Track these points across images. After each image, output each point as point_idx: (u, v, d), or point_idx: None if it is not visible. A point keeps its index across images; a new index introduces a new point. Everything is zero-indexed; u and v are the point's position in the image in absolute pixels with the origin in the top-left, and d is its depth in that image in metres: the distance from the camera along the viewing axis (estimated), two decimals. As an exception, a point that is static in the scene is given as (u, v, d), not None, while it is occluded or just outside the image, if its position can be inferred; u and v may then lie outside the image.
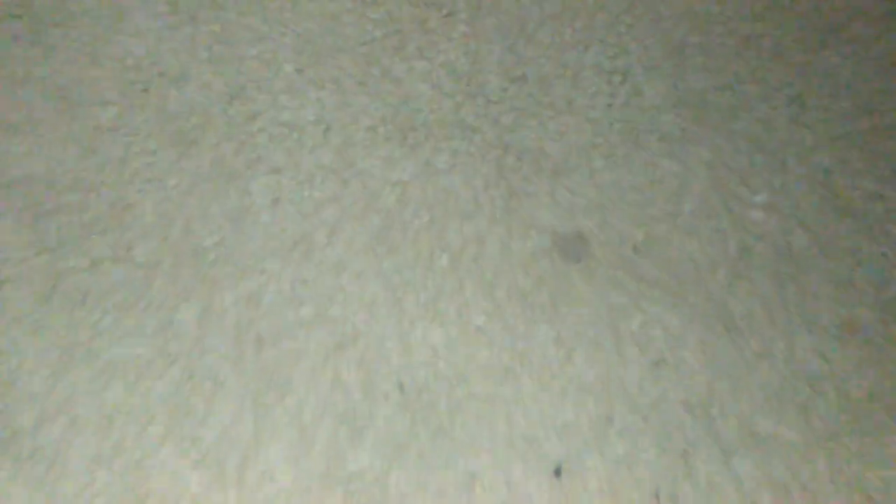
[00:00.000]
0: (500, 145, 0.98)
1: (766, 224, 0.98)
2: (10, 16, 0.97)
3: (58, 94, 0.94)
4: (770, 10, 1.10)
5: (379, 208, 0.93)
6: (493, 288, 0.90)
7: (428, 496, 0.80)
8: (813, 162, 1.02)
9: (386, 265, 0.90)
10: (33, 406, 0.79)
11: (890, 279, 0.95)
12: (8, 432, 0.77)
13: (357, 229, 0.91)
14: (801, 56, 1.09)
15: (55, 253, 0.86)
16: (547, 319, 0.90)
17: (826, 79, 1.07)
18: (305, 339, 0.85)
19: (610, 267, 0.94)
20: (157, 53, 0.98)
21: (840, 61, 1.09)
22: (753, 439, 0.86)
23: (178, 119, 0.94)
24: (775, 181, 1.01)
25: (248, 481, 0.78)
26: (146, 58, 0.97)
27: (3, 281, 0.83)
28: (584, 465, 0.83)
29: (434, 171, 0.96)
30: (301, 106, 0.97)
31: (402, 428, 0.82)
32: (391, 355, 0.85)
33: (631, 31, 1.08)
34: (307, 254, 0.89)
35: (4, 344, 0.80)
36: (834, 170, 1.02)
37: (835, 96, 1.07)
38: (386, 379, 0.84)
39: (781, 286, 0.94)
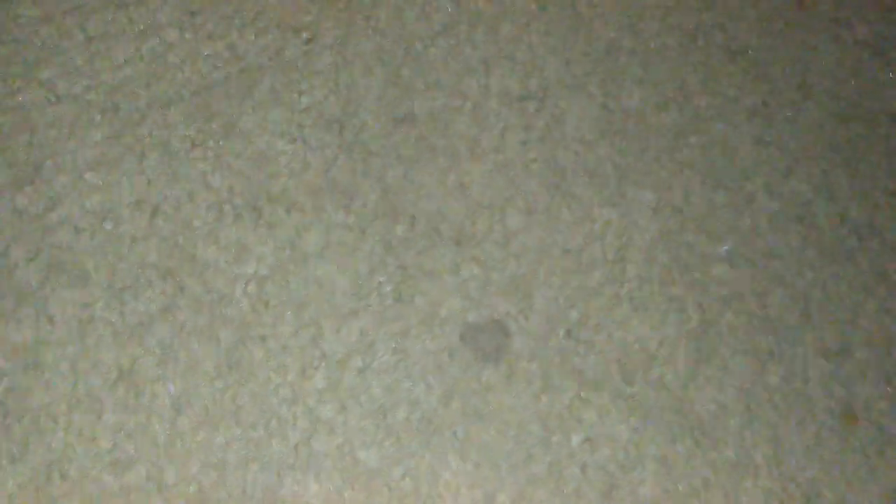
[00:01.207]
0: (386, 212, 0.76)
1: (733, 283, 0.77)
2: None
3: None
4: None
5: (228, 317, 0.70)
6: (384, 413, 0.68)
7: None
8: (787, 192, 0.81)
9: (239, 402, 0.67)
10: None
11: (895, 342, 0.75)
12: None
13: (198, 354, 0.69)
14: (763, 52, 0.87)
15: None
16: (459, 448, 0.68)
17: (795, 78, 0.86)
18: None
19: (538, 363, 0.72)
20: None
21: (812, 52, 0.87)
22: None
23: None
24: (742, 224, 0.80)
25: None
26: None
27: None
28: None
29: (301, 255, 0.74)
30: (116, 184, 0.74)
31: None
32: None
33: (545, 41, 0.86)
34: (131, 398, 0.66)
35: None
36: (814, 199, 0.81)
37: (807, 100, 0.85)
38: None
39: (760, 367, 0.74)
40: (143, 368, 0.70)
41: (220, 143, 0.79)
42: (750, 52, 0.88)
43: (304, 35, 0.85)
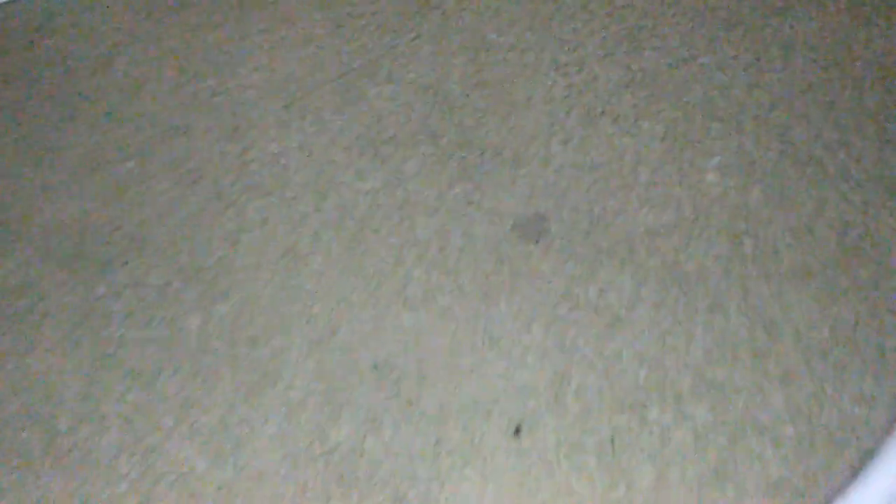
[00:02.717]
0: (463, 145, 1.11)
1: (721, 185, 1.05)
2: (46, 98, 1.19)
3: (87, 158, 1.14)
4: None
5: (354, 215, 1.07)
6: (456, 273, 1.02)
7: (398, 462, 0.92)
8: (771, 120, 1.08)
9: (362, 263, 1.04)
10: (68, 412, 0.97)
11: (851, 223, 0.99)
12: (48, 434, 0.95)
13: (335, 236, 1.06)
14: (759, 21, 1.15)
15: (86, 286, 1.05)
16: (507, 296, 1.00)
17: (784, 40, 1.13)
18: (291, 335, 0.99)
19: (567, 242, 1.03)
20: (164, 111, 1.17)
21: (798, 22, 1.14)
22: (707, 386, 0.92)
23: (183, 162, 1.13)
24: (731, 144, 1.07)
25: (243, 460, 0.93)
26: (157, 116, 1.17)
27: (42, 315, 1.02)
28: (542, 422, 0.92)
29: (403, 177, 1.10)
30: (286, 136, 1.14)
31: (376, 403, 0.94)
32: (366, 340, 0.98)
33: (587, 26, 1.19)
34: (293, 262, 1.05)
35: (45, 367, 0.99)
36: (793, 125, 1.07)
37: (793, 56, 1.12)
38: (362, 361, 0.97)
39: (737, 242, 1.01)
40: (300, 251, 1.07)
41: (353, 107, 1.18)
42: (747, 23, 1.16)
43: (412, 34, 1.23)
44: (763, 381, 0.93)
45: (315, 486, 0.94)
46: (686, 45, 1.18)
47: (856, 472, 0.86)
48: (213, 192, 1.15)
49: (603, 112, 1.14)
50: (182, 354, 1.02)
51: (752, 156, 1.08)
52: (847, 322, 0.96)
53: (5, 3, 1.33)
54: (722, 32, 1.17)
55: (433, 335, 1.01)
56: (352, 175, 1.14)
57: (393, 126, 1.17)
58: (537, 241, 1.06)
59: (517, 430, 0.94)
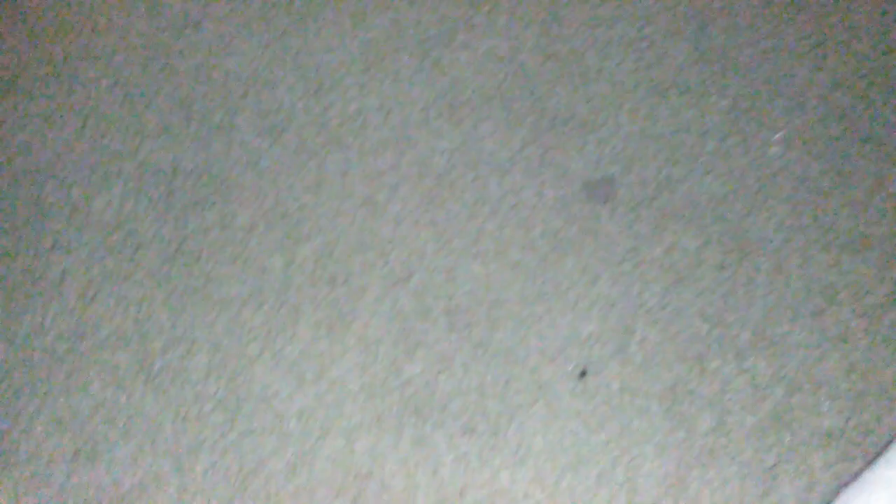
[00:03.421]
0: (535, 111, 1.17)
1: (784, 158, 1.10)
2: (141, 46, 1.26)
3: (179, 107, 1.22)
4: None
5: (430, 171, 1.14)
6: (528, 229, 1.08)
7: (469, 398, 0.98)
8: (833, 100, 1.13)
9: (436, 216, 1.10)
10: (161, 336, 1.04)
11: (909, 197, 1.04)
12: (142, 356, 1.02)
13: (412, 189, 1.12)
14: (824, 7, 1.20)
15: (177, 223, 1.12)
16: (575, 251, 1.06)
17: (848, 25, 1.18)
18: (369, 277, 1.06)
19: (634, 205, 1.09)
20: (252, 67, 1.24)
21: (861, 8, 1.19)
22: (767, 342, 0.97)
23: (269, 115, 1.19)
24: (794, 121, 1.12)
25: (323, 387, 0.99)
26: (245, 71, 1.24)
27: (136, 248, 1.09)
28: (607, 368, 0.98)
29: (478, 137, 1.16)
30: (366, 96, 1.20)
31: (448, 344, 1.00)
32: (440, 287, 1.04)
33: (657, 4, 1.24)
34: (371, 211, 1.11)
35: (140, 295, 1.06)
36: (854, 105, 1.12)
37: (856, 40, 1.17)
38: (435, 306, 1.03)
39: (798, 213, 1.06)
40: (378, 202, 1.14)
41: (431, 72, 1.24)
42: (813, 8, 1.21)
43: (488, 7, 1.29)
44: (821, 339, 0.98)
45: (390, 416, 1.00)
46: (753, 27, 1.23)
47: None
48: (296, 144, 1.21)
49: (671, 86, 1.19)
50: (267, 290, 1.08)
51: (814, 132, 1.13)
52: (902, 290, 1.01)
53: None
54: (788, 16, 1.22)
55: (503, 285, 1.07)
56: (428, 134, 1.20)
57: (468, 91, 1.23)
58: (605, 203, 1.11)
59: (583, 374, 1.00)
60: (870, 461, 0.89)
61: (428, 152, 1.17)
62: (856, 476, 0.88)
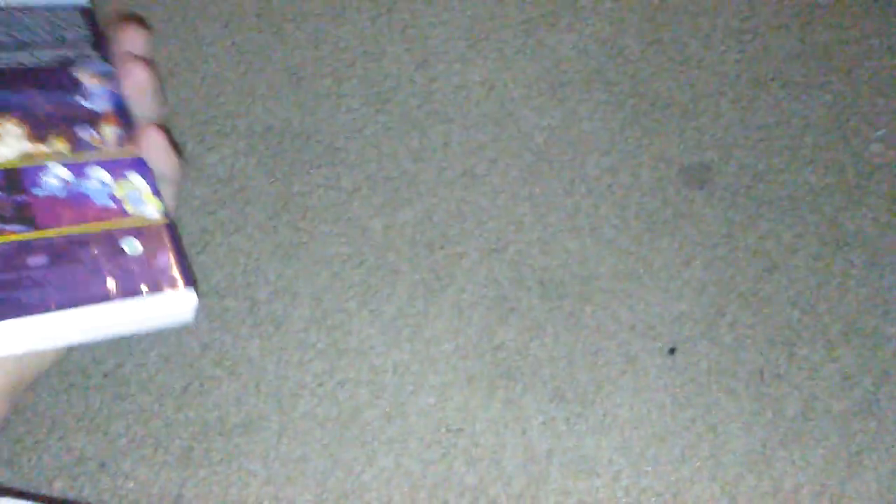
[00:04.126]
0: (635, 95, 1.19)
1: (884, 155, 1.11)
2: (255, 13, 1.32)
3: (290, 72, 1.27)
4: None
5: (530, 147, 1.17)
6: (623, 208, 1.11)
7: (559, 366, 1.01)
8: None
9: (534, 191, 1.13)
10: (267, 286, 1.10)
11: None
12: (249, 303, 1.08)
13: (511, 163, 1.16)
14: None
15: (284, 182, 1.17)
16: (670, 233, 1.08)
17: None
18: (466, 244, 1.10)
19: (730, 192, 1.11)
20: (361, 38, 1.29)
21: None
22: (858, 333, 0.99)
23: (375, 84, 1.24)
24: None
25: (418, 345, 1.04)
26: (353, 41, 1.29)
27: (245, 202, 1.15)
28: (696, 347, 1.00)
29: (578, 117, 1.19)
30: (470, 71, 1.24)
31: (541, 313, 1.04)
32: (535, 258, 1.08)
33: (762, 2, 1.25)
34: (470, 182, 1.15)
35: (248, 246, 1.12)
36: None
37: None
38: (529, 276, 1.07)
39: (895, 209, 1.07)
40: (477, 173, 1.17)
41: (534, 51, 1.27)
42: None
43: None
44: (913, 334, 0.99)
45: (482, 377, 1.04)
46: (858, 25, 1.23)
47: None
48: (400, 113, 1.26)
49: (773, 78, 1.21)
50: (367, 250, 1.13)
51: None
52: None
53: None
54: (894, 15, 1.23)
55: (596, 261, 1.10)
56: (530, 111, 1.23)
57: (570, 71, 1.26)
58: (701, 188, 1.13)
59: (672, 351, 1.02)
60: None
61: (528, 129, 1.21)
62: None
